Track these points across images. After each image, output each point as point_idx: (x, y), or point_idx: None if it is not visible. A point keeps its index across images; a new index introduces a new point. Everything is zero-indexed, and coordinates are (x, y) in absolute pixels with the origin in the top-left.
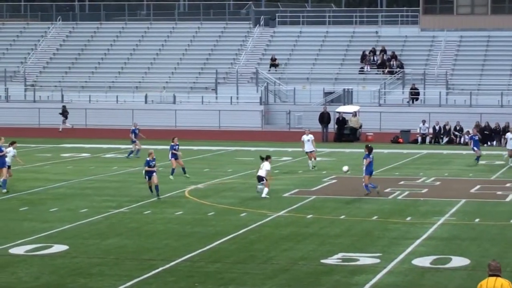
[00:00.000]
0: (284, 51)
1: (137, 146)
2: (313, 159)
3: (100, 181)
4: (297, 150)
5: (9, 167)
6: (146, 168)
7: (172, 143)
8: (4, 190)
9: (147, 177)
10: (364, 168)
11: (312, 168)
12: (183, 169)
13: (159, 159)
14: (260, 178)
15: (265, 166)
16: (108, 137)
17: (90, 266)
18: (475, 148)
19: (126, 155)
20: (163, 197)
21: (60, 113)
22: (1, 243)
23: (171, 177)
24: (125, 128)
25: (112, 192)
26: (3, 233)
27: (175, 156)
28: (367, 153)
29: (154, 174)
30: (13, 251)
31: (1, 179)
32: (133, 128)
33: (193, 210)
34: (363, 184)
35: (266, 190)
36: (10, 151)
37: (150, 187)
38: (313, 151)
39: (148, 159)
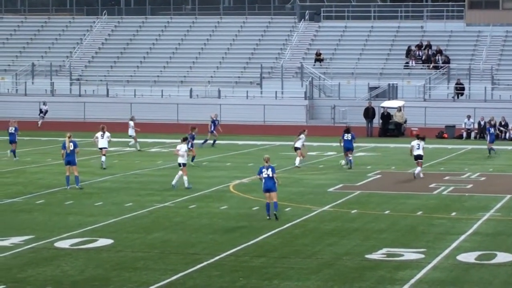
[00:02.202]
0: (329, 46)
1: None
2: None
3: (145, 176)
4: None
5: (184, 164)
6: (261, 176)
7: (193, 133)
8: (78, 186)
9: (269, 192)
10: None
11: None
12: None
13: (202, 154)
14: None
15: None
16: (153, 131)
17: (134, 260)
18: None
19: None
20: (208, 191)
21: (44, 111)
22: (46, 237)
23: (192, 163)
24: (170, 123)
25: (157, 187)
26: (48, 227)
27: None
28: (344, 133)
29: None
30: (58, 244)
31: (74, 176)
32: (213, 119)
33: (237, 204)
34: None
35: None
36: (181, 148)
37: (268, 206)
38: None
39: (265, 165)
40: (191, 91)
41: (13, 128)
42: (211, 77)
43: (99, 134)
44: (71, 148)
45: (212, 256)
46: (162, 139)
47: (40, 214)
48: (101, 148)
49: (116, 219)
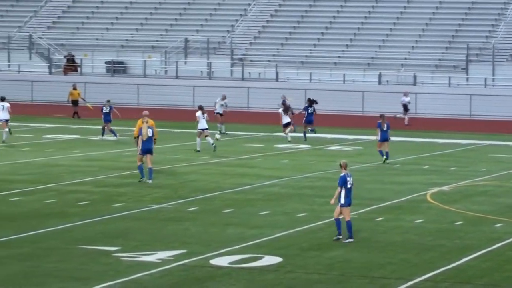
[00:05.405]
0: None
1: None
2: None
3: (322, 179)
4: None
5: None
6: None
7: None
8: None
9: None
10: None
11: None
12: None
13: (392, 155)
14: None
15: None
16: (332, 124)
17: (308, 284)
18: None
19: None
20: (399, 200)
21: (406, 103)
22: (200, 252)
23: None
24: (354, 114)
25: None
26: (203, 240)
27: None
28: (306, 105)
29: None
30: (215, 262)
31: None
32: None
33: (436, 218)
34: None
35: None
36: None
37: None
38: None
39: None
40: (380, 76)
41: (108, 108)
42: (405, 59)
43: (199, 113)
44: (149, 134)
45: (404, 281)
46: (344, 135)
47: (193, 224)
48: (202, 129)
49: (285, 232)
